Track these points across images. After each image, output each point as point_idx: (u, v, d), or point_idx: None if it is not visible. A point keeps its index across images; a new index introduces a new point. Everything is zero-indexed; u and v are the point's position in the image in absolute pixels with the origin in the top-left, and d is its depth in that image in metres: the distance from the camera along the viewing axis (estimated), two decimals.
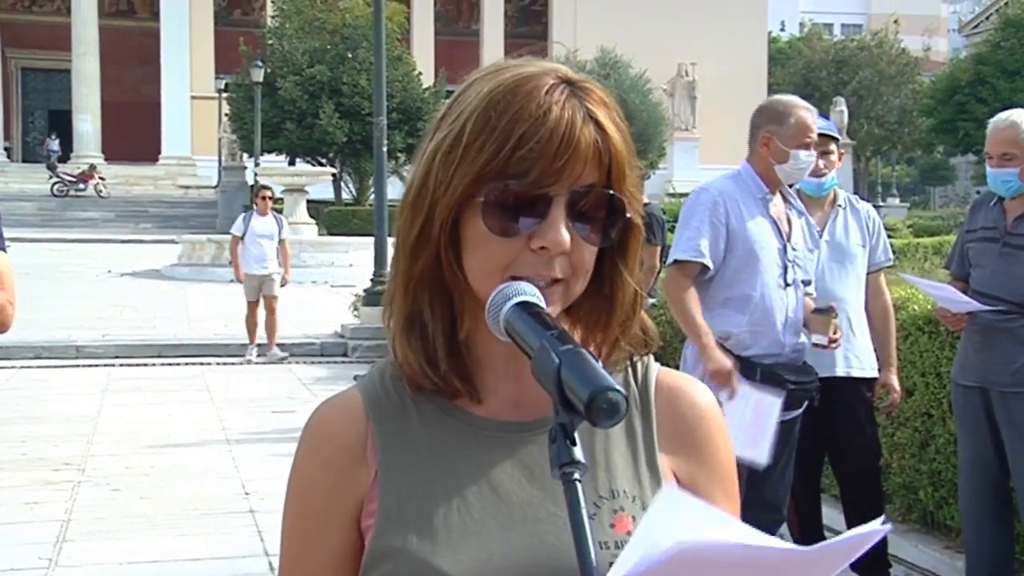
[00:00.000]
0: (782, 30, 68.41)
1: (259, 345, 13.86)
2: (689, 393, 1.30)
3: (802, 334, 4.42)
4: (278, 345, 13.90)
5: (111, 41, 50.48)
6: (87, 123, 48.76)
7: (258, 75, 34.48)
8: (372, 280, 15.16)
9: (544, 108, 1.14)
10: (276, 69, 37.43)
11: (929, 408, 5.65)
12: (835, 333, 4.45)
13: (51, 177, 44.79)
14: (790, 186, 4.56)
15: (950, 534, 5.71)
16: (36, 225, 39.10)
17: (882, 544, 5.36)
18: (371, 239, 15.44)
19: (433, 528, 1.17)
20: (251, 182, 35.11)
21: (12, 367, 13.18)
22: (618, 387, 1.00)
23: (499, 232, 1.15)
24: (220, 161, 41.92)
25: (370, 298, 14.68)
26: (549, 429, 1.04)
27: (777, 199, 4.42)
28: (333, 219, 33.51)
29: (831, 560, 0.95)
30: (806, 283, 4.44)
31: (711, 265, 4.29)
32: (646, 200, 8.78)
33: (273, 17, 42.33)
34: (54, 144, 46.82)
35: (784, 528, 4.82)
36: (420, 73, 38.72)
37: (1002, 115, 4.59)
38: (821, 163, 4.97)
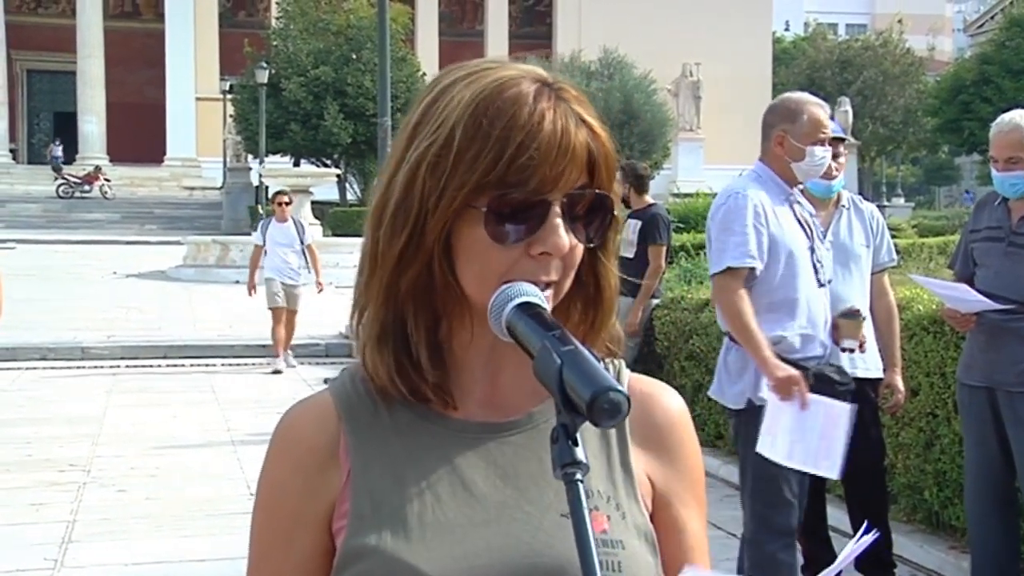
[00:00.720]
0: (786, 30, 68.34)
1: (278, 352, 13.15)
2: (661, 399, 1.31)
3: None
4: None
5: (116, 43, 50.54)
6: (92, 125, 48.84)
7: (263, 76, 34.54)
8: None
9: (538, 115, 1.14)
10: (281, 70, 37.48)
11: (934, 408, 5.65)
12: (863, 337, 4.44)
13: (56, 179, 44.89)
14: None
15: (955, 534, 5.71)
16: (41, 227, 39.20)
17: (887, 544, 5.36)
18: None
19: (407, 527, 1.17)
20: (256, 183, 35.18)
21: (18, 368, 13.20)
22: (620, 387, 1.00)
23: (501, 240, 1.14)
24: (225, 162, 42.00)
25: None
26: (552, 429, 1.05)
27: (798, 198, 4.40)
28: (338, 220, 33.51)
29: None
30: (830, 281, 4.42)
31: (759, 268, 4.19)
32: (651, 200, 8.78)
33: (278, 18, 42.39)
34: (58, 150, 46.79)
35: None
36: (424, 74, 38.72)
37: (1004, 118, 4.56)
38: (833, 165, 4.96)
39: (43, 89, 56.11)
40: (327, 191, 36.21)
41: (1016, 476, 4.62)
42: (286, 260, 12.90)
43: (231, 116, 40.69)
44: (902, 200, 52.62)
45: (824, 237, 4.68)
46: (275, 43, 39.57)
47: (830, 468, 4.16)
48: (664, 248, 8.52)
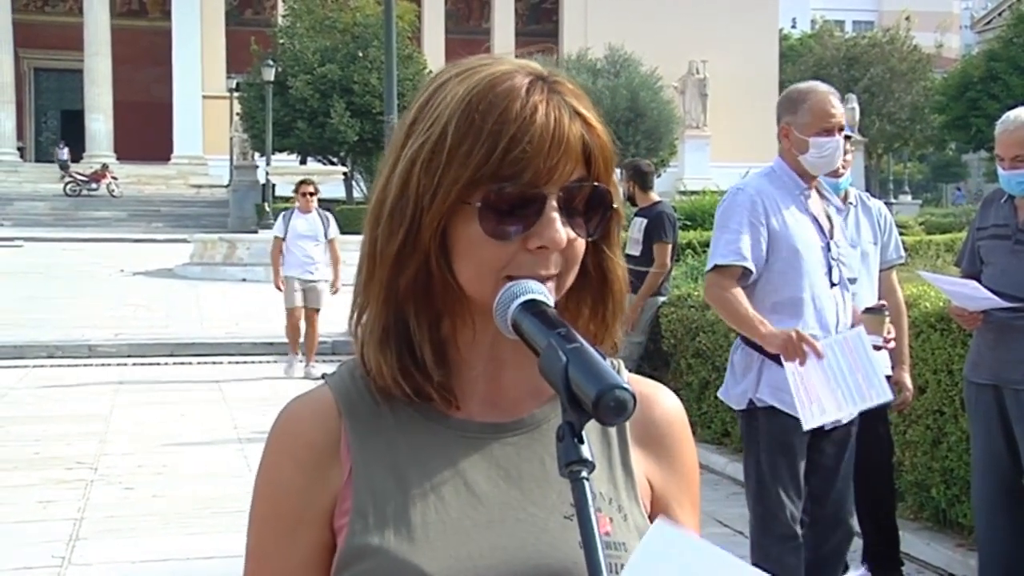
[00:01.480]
0: (793, 27, 68.22)
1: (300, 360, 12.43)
2: (660, 400, 1.31)
3: None
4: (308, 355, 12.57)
5: (123, 41, 50.59)
6: (99, 123, 48.88)
7: (269, 74, 34.54)
8: None
9: (530, 108, 1.13)
10: (287, 68, 37.48)
11: (941, 406, 5.64)
12: (888, 332, 4.31)
13: (64, 176, 44.95)
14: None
15: (962, 532, 5.70)
16: (49, 224, 39.28)
17: (894, 542, 5.36)
18: None
19: (410, 527, 1.16)
20: (263, 181, 35.20)
21: (25, 366, 13.22)
22: (626, 385, 1.00)
23: (496, 235, 1.14)
24: (232, 160, 42.02)
25: None
26: (557, 427, 1.04)
27: (815, 194, 4.24)
28: (344, 218, 33.30)
29: None
30: (852, 282, 4.30)
31: (753, 268, 4.09)
32: (657, 198, 8.76)
33: (284, 16, 42.41)
34: (63, 153, 46.73)
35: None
36: (431, 72, 38.56)
37: (1010, 116, 4.54)
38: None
39: (50, 87, 56.19)
40: (334, 189, 36.16)
41: (1023, 473, 4.61)
42: (308, 254, 12.12)
43: (238, 114, 40.70)
44: (909, 197, 52.49)
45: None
46: (282, 41, 39.58)
47: (881, 393, 4.08)
48: (670, 246, 8.50)
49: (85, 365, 13.45)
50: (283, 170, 30.49)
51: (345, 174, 36.53)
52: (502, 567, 1.15)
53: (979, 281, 4.61)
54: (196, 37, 50.39)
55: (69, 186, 44.45)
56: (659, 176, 17.36)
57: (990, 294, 4.46)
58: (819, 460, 4.29)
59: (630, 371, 1.32)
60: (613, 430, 1.26)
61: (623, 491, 1.23)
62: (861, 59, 51.54)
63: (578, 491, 1.01)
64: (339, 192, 38.04)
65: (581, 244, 1.17)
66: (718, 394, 4.57)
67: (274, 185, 33.93)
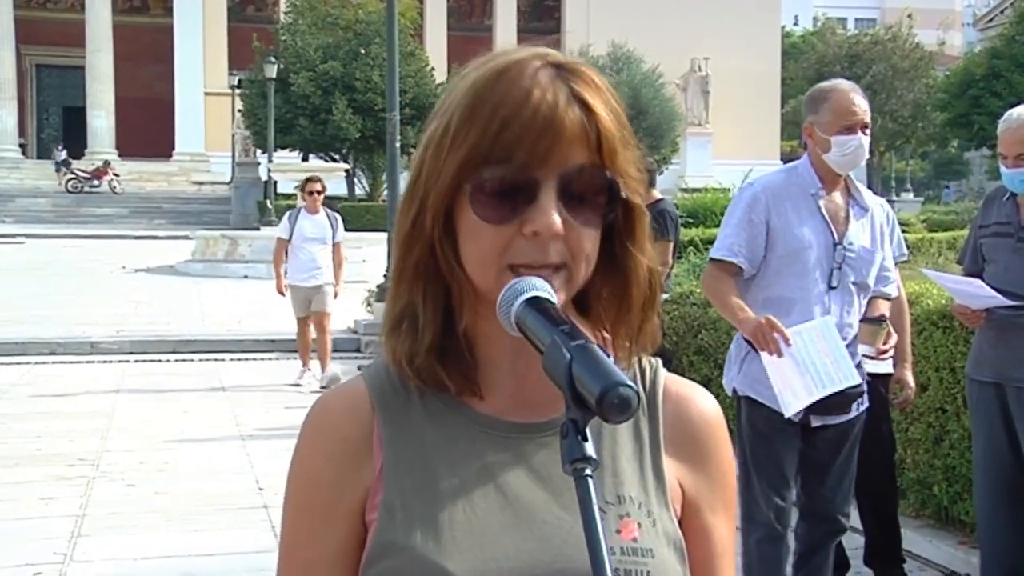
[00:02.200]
0: (795, 24, 68.23)
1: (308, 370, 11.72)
2: (697, 401, 1.29)
3: (850, 339, 4.18)
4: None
5: (125, 37, 50.59)
6: (101, 119, 48.89)
7: (271, 71, 34.50)
8: (385, 276, 15.17)
9: (526, 91, 1.13)
10: (289, 65, 37.47)
11: (943, 403, 5.64)
12: (884, 343, 4.25)
13: (65, 173, 44.96)
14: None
15: (965, 529, 5.70)
16: (50, 221, 39.29)
17: (896, 540, 5.36)
18: (384, 235, 15.45)
19: (438, 526, 1.15)
20: (264, 178, 35.19)
21: (27, 363, 13.23)
22: (630, 383, 0.99)
23: (489, 219, 1.13)
24: (234, 157, 42.01)
25: (383, 294, 14.69)
26: (560, 425, 1.03)
27: (835, 195, 4.18)
28: (346, 215, 33.33)
29: None
30: (858, 285, 4.20)
31: (744, 266, 4.11)
32: (659, 196, 8.75)
33: (286, 13, 42.39)
34: (61, 155, 46.57)
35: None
36: (433, 68, 38.75)
37: (1012, 114, 4.53)
38: None
39: (52, 84, 56.21)
40: (336, 186, 36.11)
41: None
42: (314, 258, 11.26)
43: (240, 111, 40.68)
44: (911, 195, 52.46)
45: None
46: (284, 38, 39.57)
47: (850, 376, 4.07)
48: (671, 244, 8.47)
49: (87, 362, 13.46)
50: (285, 167, 30.48)
51: (347, 171, 36.52)
52: (528, 570, 1.14)
53: (981, 279, 4.61)
54: (198, 34, 50.39)
55: (70, 183, 44.45)
56: (661, 174, 17.35)
57: (993, 292, 4.45)
58: (810, 455, 4.30)
59: None
60: (646, 432, 1.25)
61: (653, 496, 1.22)
62: (863, 56, 51.48)
63: (582, 489, 1.00)
64: (341, 189, 38.05)
65: (588, 234, 1.15)
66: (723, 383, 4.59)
67: (276, 182, 33.91)
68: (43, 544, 6.12)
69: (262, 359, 13.84)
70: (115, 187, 44.32)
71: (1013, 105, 4.76)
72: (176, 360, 13.77)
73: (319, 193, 11.39)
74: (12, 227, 36.03)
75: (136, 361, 13.60)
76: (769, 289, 4.14)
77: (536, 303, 1.10)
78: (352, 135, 36.67)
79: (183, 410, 10.27)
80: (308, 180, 11.71)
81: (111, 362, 13.48)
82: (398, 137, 15.07)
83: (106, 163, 45.51)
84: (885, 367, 5.03)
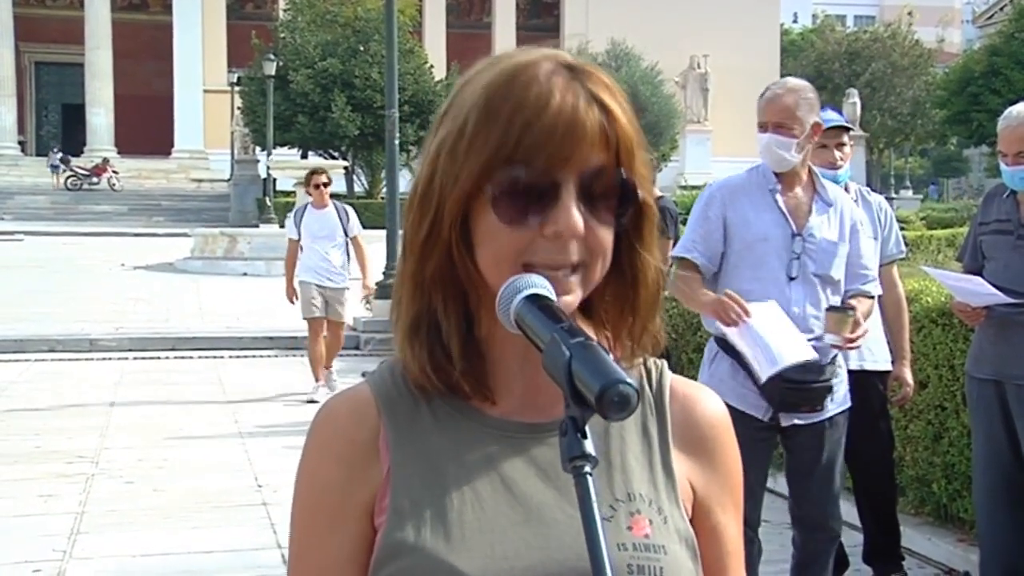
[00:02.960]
0: (795, 22, 68.24)
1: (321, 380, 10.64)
2: (703, 402, 1.29)
3: (816, 331, 4.10)
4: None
5: (124, 35, 50.60)
6: (100, 117, 48.90)
7: (270, 69, 34.52)
8: (384, 273, 15.15)
9: (546, 94, 1.13)
10: (288, 62, 37.49)
11: (943, 401, 5.64)
12: (852, 332, 4.08)
13: (64, 171, 44.96)
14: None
15: (964, 527, 5.70)
16: (49, 219, 39.28)
17: (895, 537, 5.36)
18: (383, 232, 15.41)
19: (447, 525, 1.15)
20: (264, 175, 35.21)
21: (26, 360, 13.23)
22: (629, 380, 0.99)
23: (510, 222, 1.13)
24: (233, 155, 42.03)
25: (382, 291, 14.67)
26: (560, 422, 1.03)
27: (797, 190, 4.18)
28: None
29: None
30: (821, 278, 4.14)
31: (699, 261, 4.16)
32: (659, 193, 8.77)
33: (285, 10, 42.41)
34: (56, 157, 46.41)
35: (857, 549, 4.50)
36: (432, 66, 38.72)
37: (1012, 112, 4.53)
38: (837, 155, 4.94)
39: (51, 81, 56.21)
40: (335, 183, 36.16)
41: None
42: (326, 257, 10.33)
43: (239, 108, 40.69)
44: (910, 192, 52.47)
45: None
46: (283, 35, 39.58)
47: (806, 351, 4.00)
48: (671, 242, 8.48)
49: (86, 359, 13.46)
50: (284, 164, 30.44)
51: (346, 168, 36.54)
52: (538, 567, 1.14)
53: (981, 276, 4.61)
54: (197, 31, 50.40)
55: (69, 180, 44.44)
56: (660, 171, 17.32)
57: (993, 289, 4.45)
58: (790, 460, 4.30)
59: None
60: (655, 431, 1.25)
61: (663, 493, 1.22)
62: (862, 54, 51.51)
63: (581, 486, 1.00)
64: (340, 187, 38.05)
65: (605, 234, 1.16)
66: None
67: (275, 179, 33.94)
68: (42, 541, 6.12)
69: (261, 356, 13.83)
70: (114, 184, 44.33)
71: (1013, 102, 4.76)
72: (175, 357, 13.77)
73: (325, 186, 10.36)
74: (11, 224, 36.03)
75: (135, 358, 13.59)
76: (729, 284, 4.13)
77: (536, 300, 1.10)
78: (351, 132, 36.68)
79: (182, 407, 10.27)
80: (312, 173, 10.71)
81: (110, 359, 13.48)
82: (397, 134, 15.07)
83: (105, 160, 45.51)
84: (884, 364, 5.03)
